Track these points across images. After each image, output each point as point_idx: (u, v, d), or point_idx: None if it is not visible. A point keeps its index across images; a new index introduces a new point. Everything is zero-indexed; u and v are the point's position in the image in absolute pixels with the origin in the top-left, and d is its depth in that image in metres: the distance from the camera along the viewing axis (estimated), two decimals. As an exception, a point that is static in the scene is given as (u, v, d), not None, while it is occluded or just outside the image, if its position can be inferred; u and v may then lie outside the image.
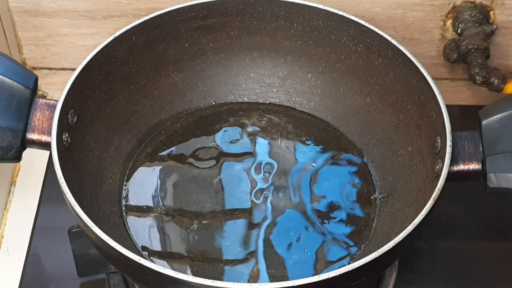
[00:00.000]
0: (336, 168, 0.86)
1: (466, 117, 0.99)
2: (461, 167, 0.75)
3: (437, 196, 0.71)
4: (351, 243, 0.80)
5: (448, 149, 0.74)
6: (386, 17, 0.94)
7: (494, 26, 0.93)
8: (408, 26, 0.95)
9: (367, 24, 0.84)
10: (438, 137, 0.77)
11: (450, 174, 0.73)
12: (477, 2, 0.93)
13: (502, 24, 0.94)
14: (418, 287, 0.87)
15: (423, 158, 0.79)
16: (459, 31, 0.93)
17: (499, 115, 0.76)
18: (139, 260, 0.66)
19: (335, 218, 0.82)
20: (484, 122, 0.76)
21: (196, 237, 0.80)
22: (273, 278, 0.77)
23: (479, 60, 0.91)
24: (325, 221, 0.81)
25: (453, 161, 0.74)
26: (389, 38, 0.82)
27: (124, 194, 0.83)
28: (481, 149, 0.75)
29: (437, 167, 0.75)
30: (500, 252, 0.89)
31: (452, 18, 0.93)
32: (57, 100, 0.77)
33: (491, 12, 0.93)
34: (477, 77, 0.92)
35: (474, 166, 0.75)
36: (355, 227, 0.81)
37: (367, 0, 0.93)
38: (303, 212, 0.82)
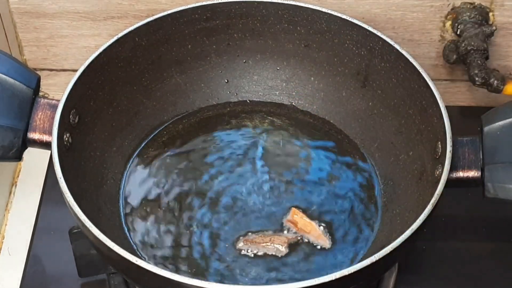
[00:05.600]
0: (337, 172, 0.86)
1: (466, 118, 0.99)
2: (461, 174, 0.75)
3: (435, 202, 0.71)
4: (352, 247, 0.80)
5: (448, 155, 0.73)
6: (386, 18, 0.94)
7: (494, 27, 0.92)
8: (407, 27, 0.95)
9: (370, 28, 0.84)
10: (439, 142, 0.76)
11: (450, 181, 0.73)
12: (476, 3, 0.92)
13: (502, 25, 0.94)
14: (417, 288, 0.87)
15: (424, 163, 0.79)
16: (458, 32, 0.93)
17: (500, 123, 0.75)
18: (136, 261, 0.66)
19: (335, 221, 0.82)
20: (485, 129, 0.76)
21: (195, 238, 0.80)
22: (271, 281, 0.77)
23: (479, 61, 0.91)
24: (326, 224, 0.81)
25: (453, 168, 0.74)
26: (391, 43, 0.82)
27: (124, 195, 0.83)
28: (481, 157, 0.75)
29: (437, 172, 0.75)
30: (500, 253, 0.89)
31: (452, 19, 0.93)
32: (59, 100, 0.77)
33: (491, 13, 0.93)
34: (477, 78, 0.91)
35: (473, 173, 0.75)
36: (356, 231, 0.81)
37: (367, 1, 0.92)
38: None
